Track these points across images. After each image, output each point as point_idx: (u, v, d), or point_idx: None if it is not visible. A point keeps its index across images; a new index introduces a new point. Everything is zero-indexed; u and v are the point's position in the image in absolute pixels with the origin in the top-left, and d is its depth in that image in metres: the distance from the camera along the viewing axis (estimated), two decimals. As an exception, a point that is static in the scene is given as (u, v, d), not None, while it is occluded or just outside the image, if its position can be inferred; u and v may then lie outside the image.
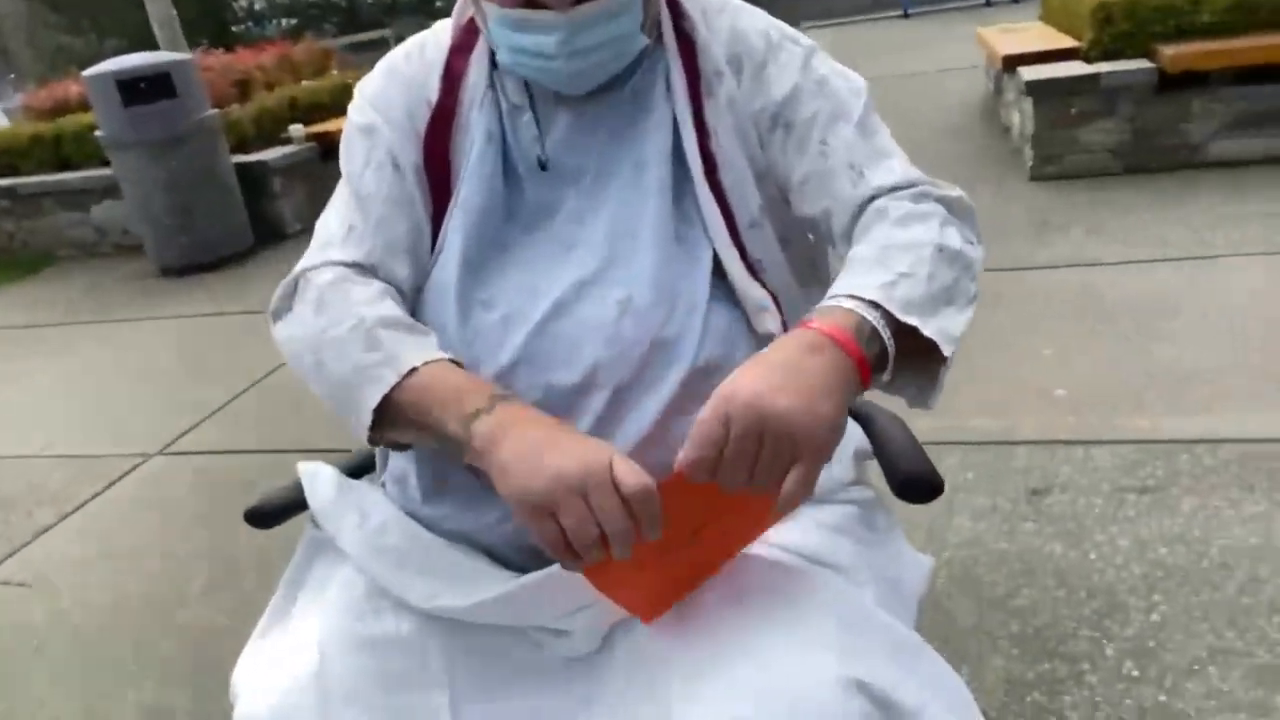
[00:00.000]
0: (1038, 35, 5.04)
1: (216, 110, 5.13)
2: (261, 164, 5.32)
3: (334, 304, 0.89)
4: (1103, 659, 1.57)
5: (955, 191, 0.89)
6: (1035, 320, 2.87)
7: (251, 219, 5.23)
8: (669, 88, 0.93)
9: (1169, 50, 3.91)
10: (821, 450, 0.69)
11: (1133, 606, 1.67)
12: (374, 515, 0.92)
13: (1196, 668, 1.52)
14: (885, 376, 0.76)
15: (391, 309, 0.88)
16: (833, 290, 0.78)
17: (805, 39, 0.98)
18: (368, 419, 0.83)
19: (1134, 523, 1.89)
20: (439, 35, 1.00)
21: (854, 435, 0.95)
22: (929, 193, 0.87)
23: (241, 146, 5.44)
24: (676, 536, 0.73)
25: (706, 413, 0.70)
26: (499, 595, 0.82)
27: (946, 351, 0.76)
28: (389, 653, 0.84)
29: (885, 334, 0.74)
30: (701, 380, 0.83)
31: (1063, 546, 1.86)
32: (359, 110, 0.99)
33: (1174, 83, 3.94)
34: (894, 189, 0.87)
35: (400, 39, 1.26)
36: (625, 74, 0.93)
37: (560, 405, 0.82)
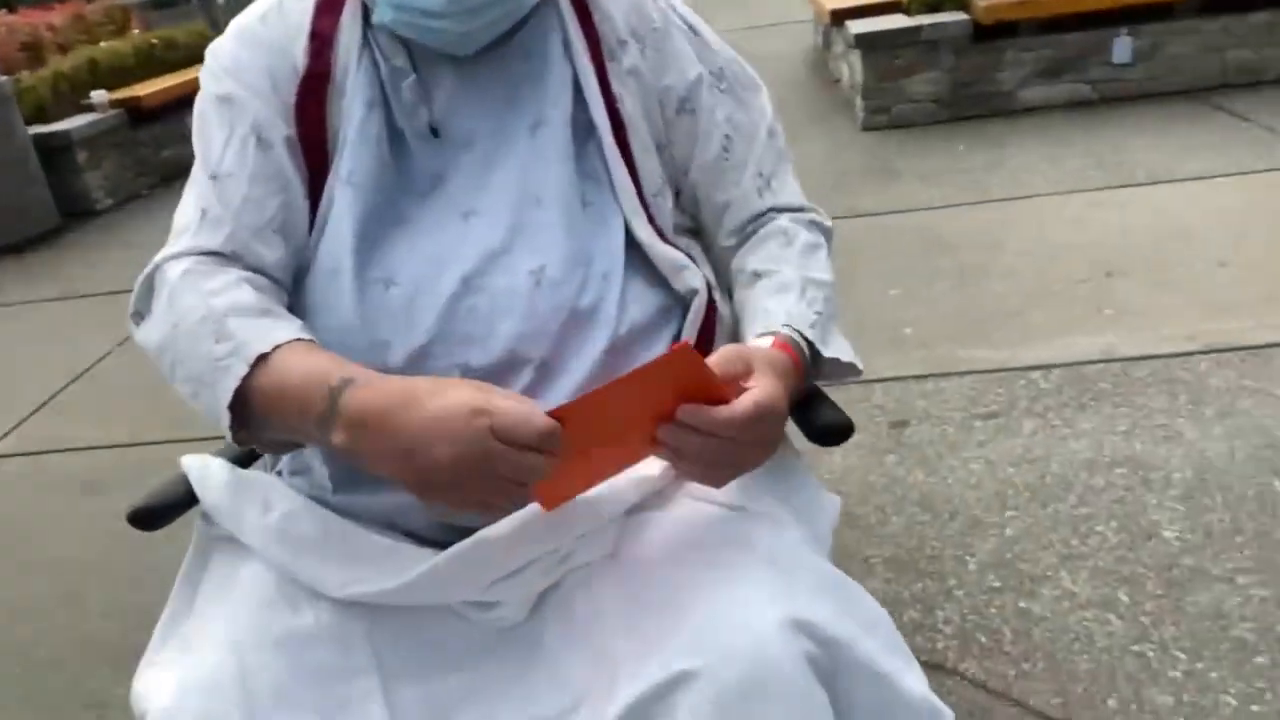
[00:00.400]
0: (862, -11, 5.23)
1: (5, 76, 4.63)
2: (63, 134, 4.83)
3: (184, 298, 0.84)
4: (967, 574, 1.70)
5: (829, 221, 1.02)
6: (880, 263, 3.02)
7: (56, 195, 4.76)
8: (567, 47, 0.91)
9: (982, 2, 4.15)
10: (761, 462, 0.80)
11: (989, 524, 1.82)
12: (279, 505, 0.88)
13: (1049, 574, 1.67)
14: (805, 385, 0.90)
15: (245, 296, 0.83)
16: (779, 316, 0.88)
17: (692, 15, 0.99)
18: (226, 418, 0.79)
19: (984, 447, 2.05)
20: None
21: None
22: (817, 222, 1.00)
23: (39, 116, 4.93)
24: (583, 448, 0.72)
25: (750, 407, 0.73)
26: (425, 572, 0.80)
27: (860, 367, 0.92)
28: (312, 645, 0.80)
29: (807, 359, 0.88)
30: (625, 349, 0.83)
31: (923, 474, 1.99)
32: (214, 79, 0.92)
33: (988, 33, 4.20)
34: (791, 210, 0.98)
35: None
36: (512, 30, 0.90)
37: None
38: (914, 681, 0.75)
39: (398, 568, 0.82)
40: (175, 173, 5.12)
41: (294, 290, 0.90)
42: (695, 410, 0.72)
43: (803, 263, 0.93)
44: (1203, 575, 1.61)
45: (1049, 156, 3.72)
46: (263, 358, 0.78)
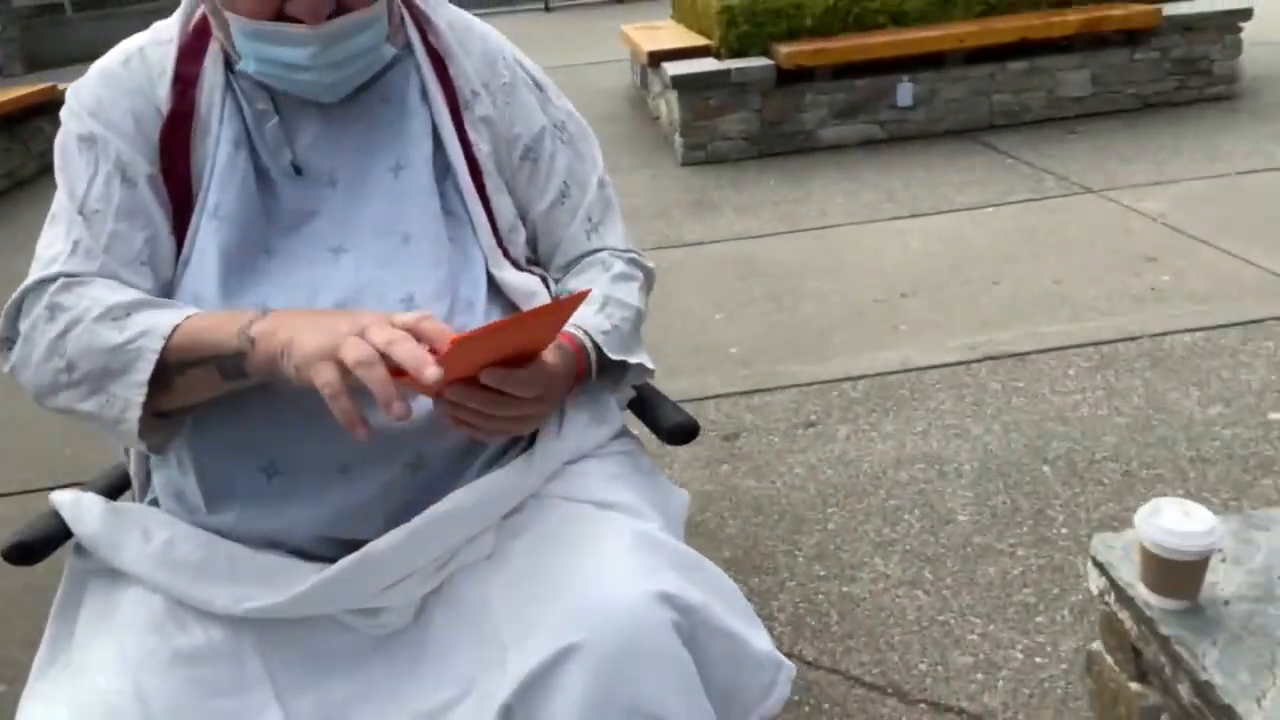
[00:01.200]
0: (674, 33, 5.55)
1: None
2: None
3: (72, 304, 0.87)
4: (797, 566, 1.89)
5: (650, 263, 1.14)
6: (705, 289, 3.24)
7: None
8: (425, 96, 0.99)
9: (783, 49, 4.52)
10: (546, 415, 0.93)
11: (813, 520, 2.02)
12: (158, 532, 0.90)
13: (865, 560, 1.88)
14: (590, 381, 1.01)
15: (136, 293, 0.88)
16: (578, 320, 0.99)
17: (538, 71, 1.10)
18: (140, 395, 0.84)
19: (805, 452, 2.26)
20: (159, 38, 0.98)
21: (619, 395, 1.10)
22: (636, 260, 1.11)
23: None
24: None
25: (532, 379, 0.85)
26: (314, 585, 0.85)
27: (651, 367, 1.04)
28: (204, 662, 0.84)
29: (593, 367, 0.99)
30: None
31: (754, 480, 2.18)
32: (76, 119, 0.95)
33: (790, 77, 4.57)
34: (616, 250, 1.09)
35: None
36: (374, 77, 0.98)
37: None
38: (760, 639, 0.88)
39: (287, 582, 0.87)
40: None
41: None
42: (501, 373, 0.82)
43: (612, 286, 1.04)
44: (990, 551, 1.86)
45: (847, 190, 4.09)
46: (175, 328, 0.84)
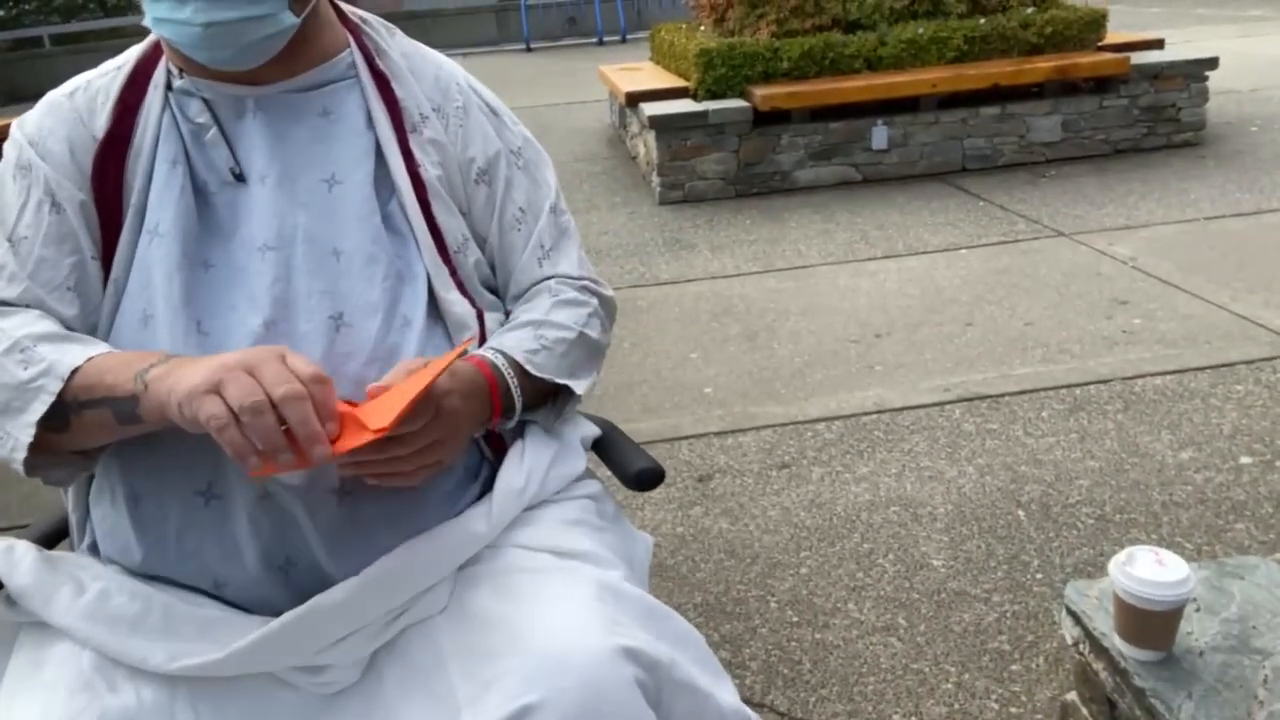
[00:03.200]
0: (652, 75, 5.60)
1: None
2: None
3: None
4: (769, 612, 1.85)
5: (609, 291, 1.11)
6: (680, 328, 3.23)
7: None
8: (370, 120, 0.98)
9: (759, 91, 4.57)
10: (458, 446, 0.89)
11: (786, 564, 1.98)
12: (91, 584, 0.86)
13: (839, 605, 1.85)
14: (513, 418, 0.96)
15: (50, 325, 0.88)
16: (495, 341, 0.97)
17: (492, 97, 1.09)
18: (27, 436, 0.82)
19: (779, 494, 2.23)
20: (108, 68, 0.98)
21: (584, 435, 1.07)
22: (591, 288, 1.08)
23: None
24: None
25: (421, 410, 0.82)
26: (255, 640, 0.81)
27: (579, 391, 1.00)
28: None
29: (515, 388, 0.95)
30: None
31: (727, 522, 2.14)
32: (17, 148, 0.95)
33: (766, 119, 4.62)
34: (569, 278, 1.06)
35: None
36: (313, 90, 0.97)
37: None
38: (727, 695, 0.85)
39: (226, 637, 0.83)
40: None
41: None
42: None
43: (553, 311, 1.02)
44: (965, 597, 1.84)
45: (822, 230, 4.11)
46: (75, 370, 0.82)
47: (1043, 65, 4.66)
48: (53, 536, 0.99)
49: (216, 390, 0.73)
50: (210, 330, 0.89)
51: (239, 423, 0.72)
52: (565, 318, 1.02)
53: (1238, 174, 4.40)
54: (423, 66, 1.04)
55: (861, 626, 1.78)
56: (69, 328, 0.90)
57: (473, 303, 1.00)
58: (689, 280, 3.68)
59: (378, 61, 1.01)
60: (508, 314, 1.05)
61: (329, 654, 0.84)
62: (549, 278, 1.06)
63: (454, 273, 0.99)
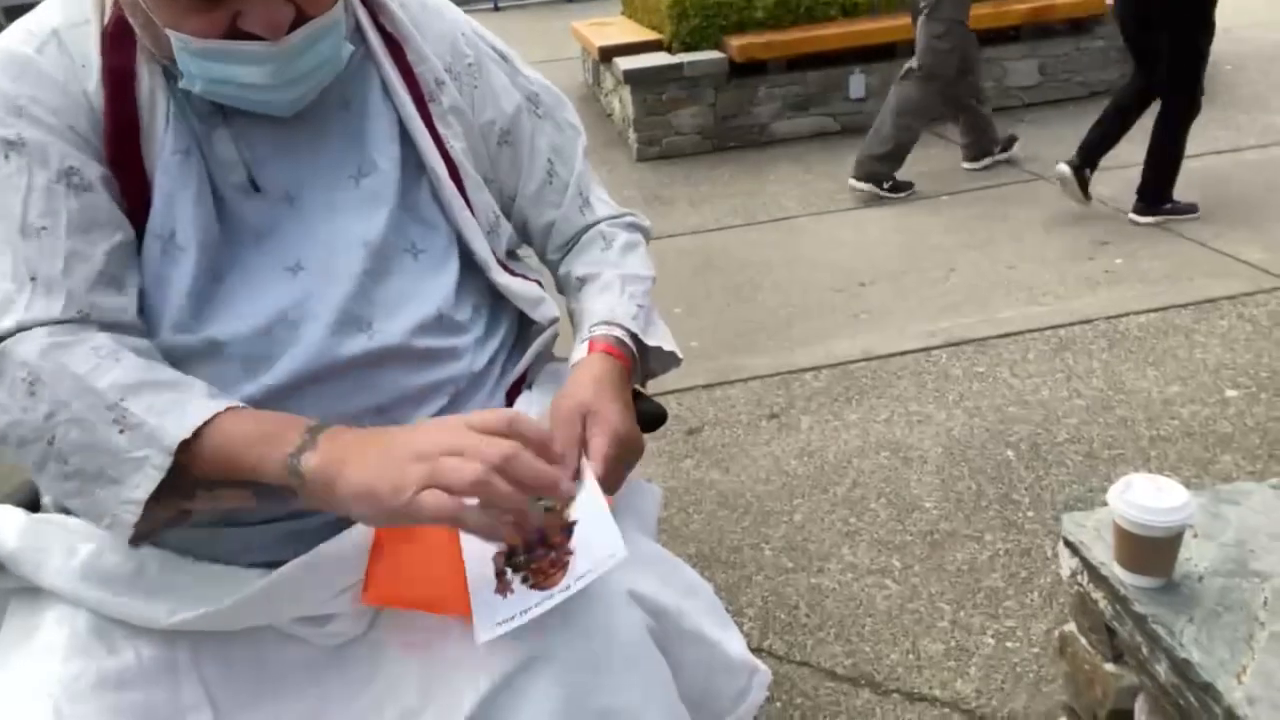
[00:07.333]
0: (624, 28, 5.51)
1: None
2: None
3: (52, 382, 0.74)
4: (764, 560, 1.85)
5: (646, 221, 1.09)
6: (663, 283, 3.15)
7: None
8: (387, 92, 0.90)
9: (735, 42, 4.50)
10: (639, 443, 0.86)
11: (779, 513, 1.98)
12: (83, 544, 0.83)
13: (833, 550, 1.85)
14: (637, 378, 0.95)
15: (128, 370, 0.75)
16: (601, 314, 0.93)
17: (499, 41, 1.03)
18: (131, 515, 0.72)
19: (768, 444, 2.23)
20: (73, 18, 0.83)
21: None
22: (634, 223, 1.05)
23: None
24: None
25: (564, 428, 0.80)
26: (259, 589, 0.78)
27: (680, 356, 0.98)
28: (135, 685, 0.77)
29: (635, 353, 0.93)
30: (468, 390, 0.87)
31: (718, 474, 2.14)
32: None
33: (742, 71, 4.56)
34: (610, 218, 1.04)
35: None
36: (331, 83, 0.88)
37: None
38: (735, 644, 0.83)
39: (228, 589, 0.80)
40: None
41: None
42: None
43: (620, 261, 0.99)
44: (957, 537, 1.84)
45: (802, 182, 4.08)
46: (184, 444, 0.72)
47: (1019, 7, 4.62)
48: (37, 500, 0.96)
49: (428, 484, 0.67)
50: (228, 354, 0.81)
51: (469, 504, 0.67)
52: (637, 265, 1.00)
53: (1215, 112, 4.38)
54: (425, 19, 0.96)
55: (856, 570, 1.79)
56: (128, 326, 0.79)
57: (525, 277, 0.97)
58: (670, 236, 3.64)
59: (384, 22, 0.93)
60: (545, 261, 1.03)
61: (334, 603, 0.81)
62: (594, 223, 1.03)
63: (495, 256, 0.95)
